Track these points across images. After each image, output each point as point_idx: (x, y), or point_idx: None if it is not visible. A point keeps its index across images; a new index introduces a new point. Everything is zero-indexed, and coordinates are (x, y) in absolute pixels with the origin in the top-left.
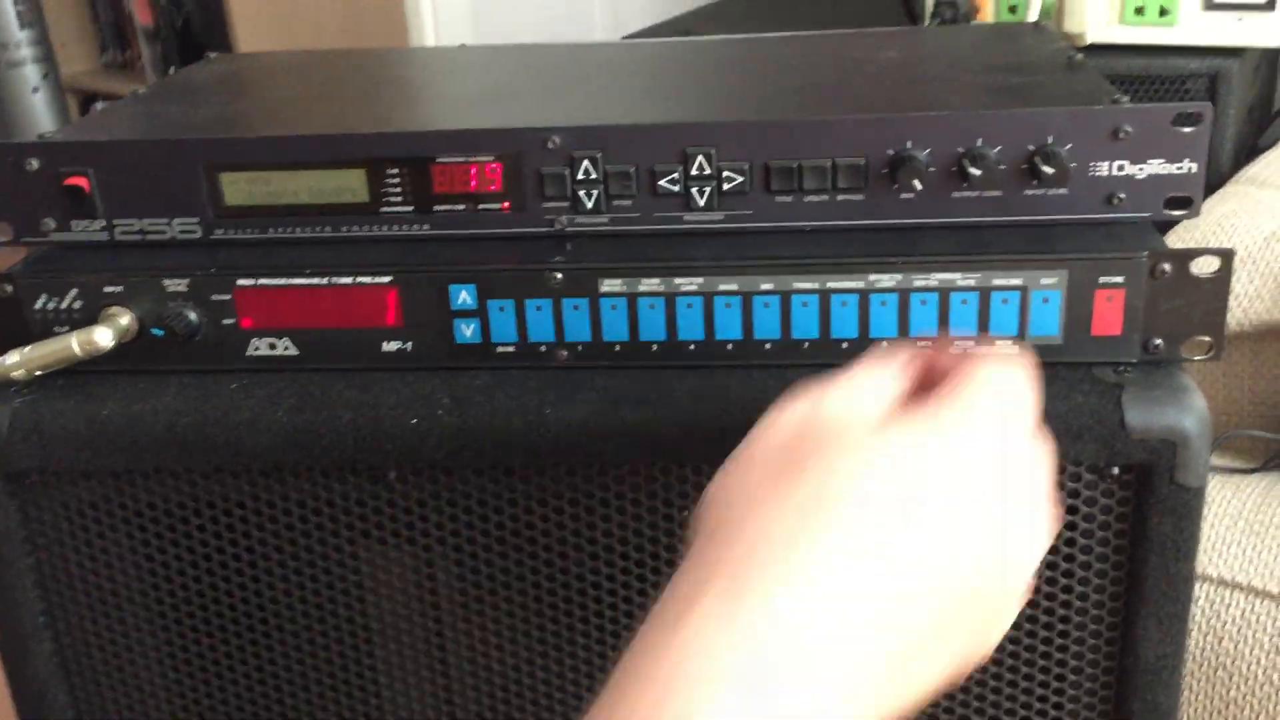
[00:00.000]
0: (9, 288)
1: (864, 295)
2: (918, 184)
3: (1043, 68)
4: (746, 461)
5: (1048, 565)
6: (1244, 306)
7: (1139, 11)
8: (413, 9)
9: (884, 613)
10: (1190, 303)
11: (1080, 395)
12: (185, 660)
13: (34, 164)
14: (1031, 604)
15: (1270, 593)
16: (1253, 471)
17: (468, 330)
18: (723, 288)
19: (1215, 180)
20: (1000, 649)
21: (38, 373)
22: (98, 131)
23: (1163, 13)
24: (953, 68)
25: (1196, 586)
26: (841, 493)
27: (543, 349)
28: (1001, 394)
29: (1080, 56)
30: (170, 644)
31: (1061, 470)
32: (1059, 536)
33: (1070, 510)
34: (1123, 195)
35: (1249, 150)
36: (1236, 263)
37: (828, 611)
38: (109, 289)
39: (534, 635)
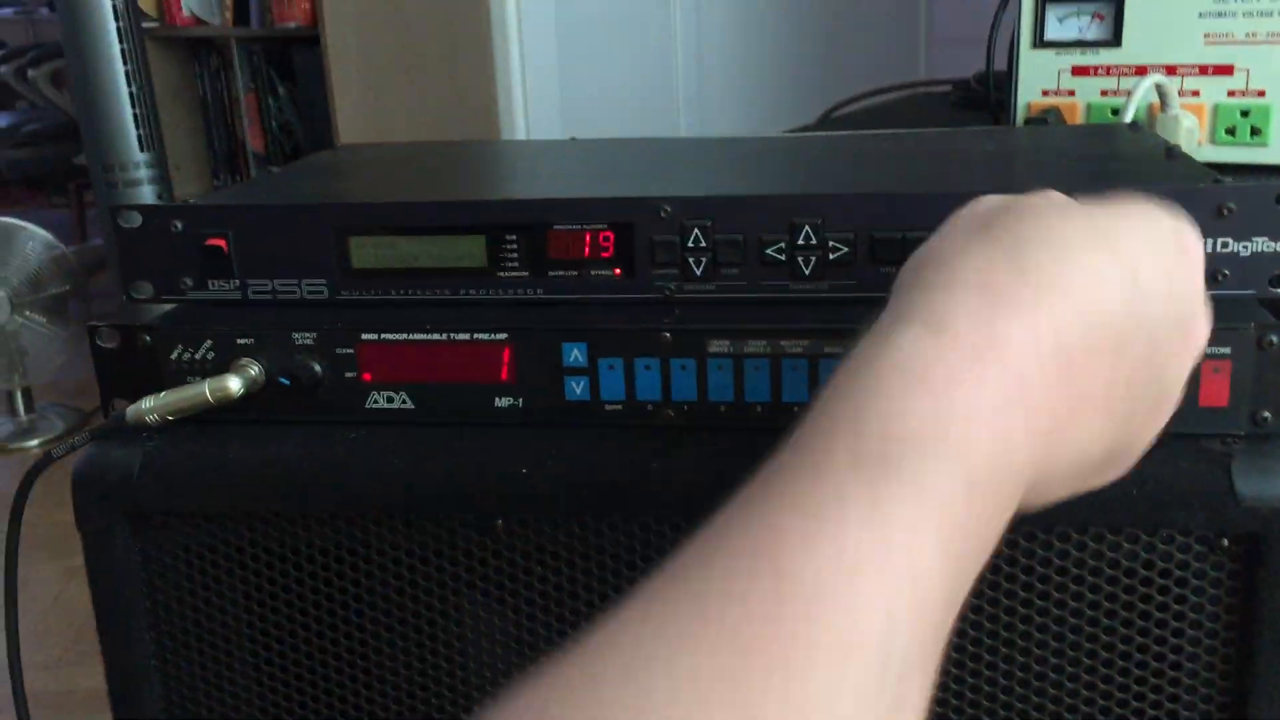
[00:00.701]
0: (147, 338)
1: None
2: None
3: (1142, 158)
4: (949, 228)
5: (1156, 641)
6: None
7: (1230, 131)
8: (505, 110)
9: (1070, 357)
10: None
11: (1188, 462)
12: (285, 709)
13: (178, 225)
14: (1140, 680)
15: None
16: None
17: (578, 388)
18: (828, 350)
19: None
20: None
21: (169, 418)
22: (238, 198)
23: (1254, 133)
24: (1053, 155)
25: None
26: (1049, 237)
27: (649, 408)
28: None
29: (1179, 146)
30: (273, 691)
31: (1170, 541)
32: (1167, 610)
33: (1180, 584)
34: (1227, 272)
35: None
36: None
37: (1027, 340)
38: (241, 341)
39: None
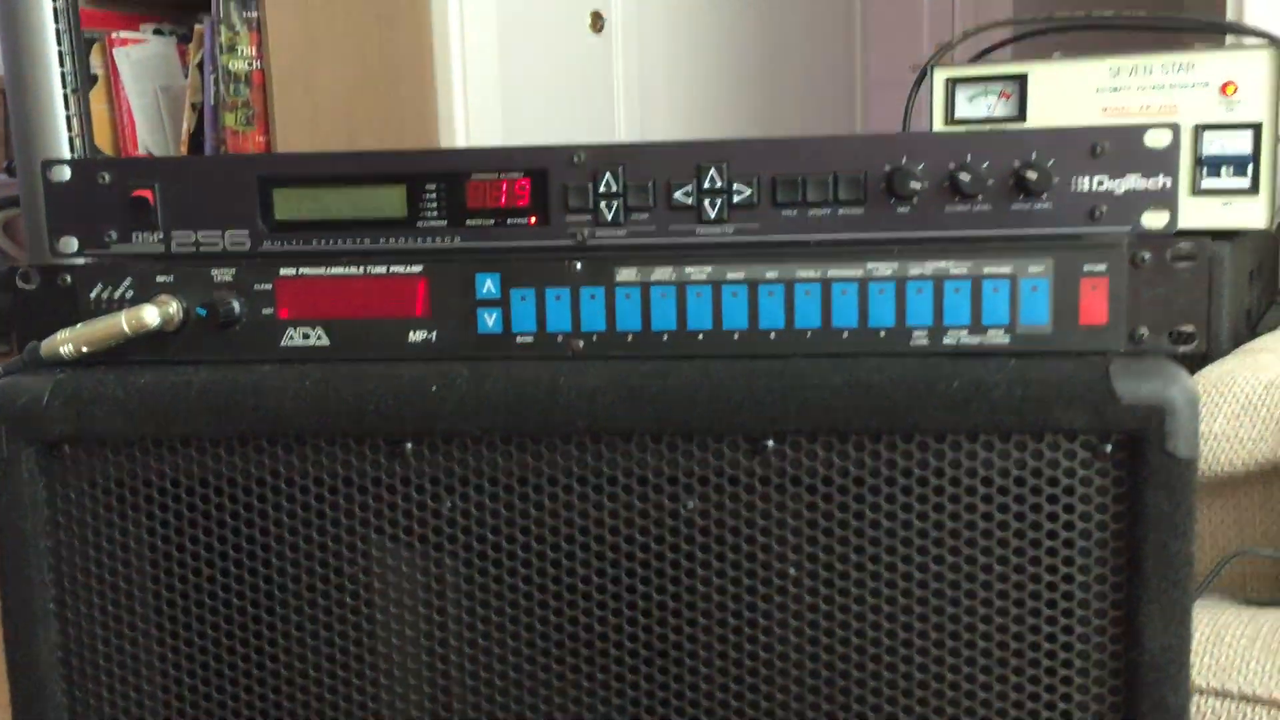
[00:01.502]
0: (67, 277)
1: (862, 283)
2: (914, 184)
3: None
4: None
5: (1048, 552)
6: (1249, 449)
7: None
8: (445, 116)
9: None
10: (1172, 291)
11: (1070, 367)
12: (186, 653)
13: (106, 178)
14: (1033, 595)
15: None
16: (1269, 604)
17: (490, 320)
18: (730, 277)
19: (1216, 354)
20: (1002, 645)
21: (84, 349)
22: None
23: None
24: None
25: (1219, 703)
26: None
27: (560, 339)
28: None
29: None
30: (174, 636)
31: (1056, 447)
32: (1056, 520)
33: (1067, 491)
34: (1104, 209)
35: (1249, 321)
36: (1239, 409)
37: None
38: (161, 278)
39: (534, 616)
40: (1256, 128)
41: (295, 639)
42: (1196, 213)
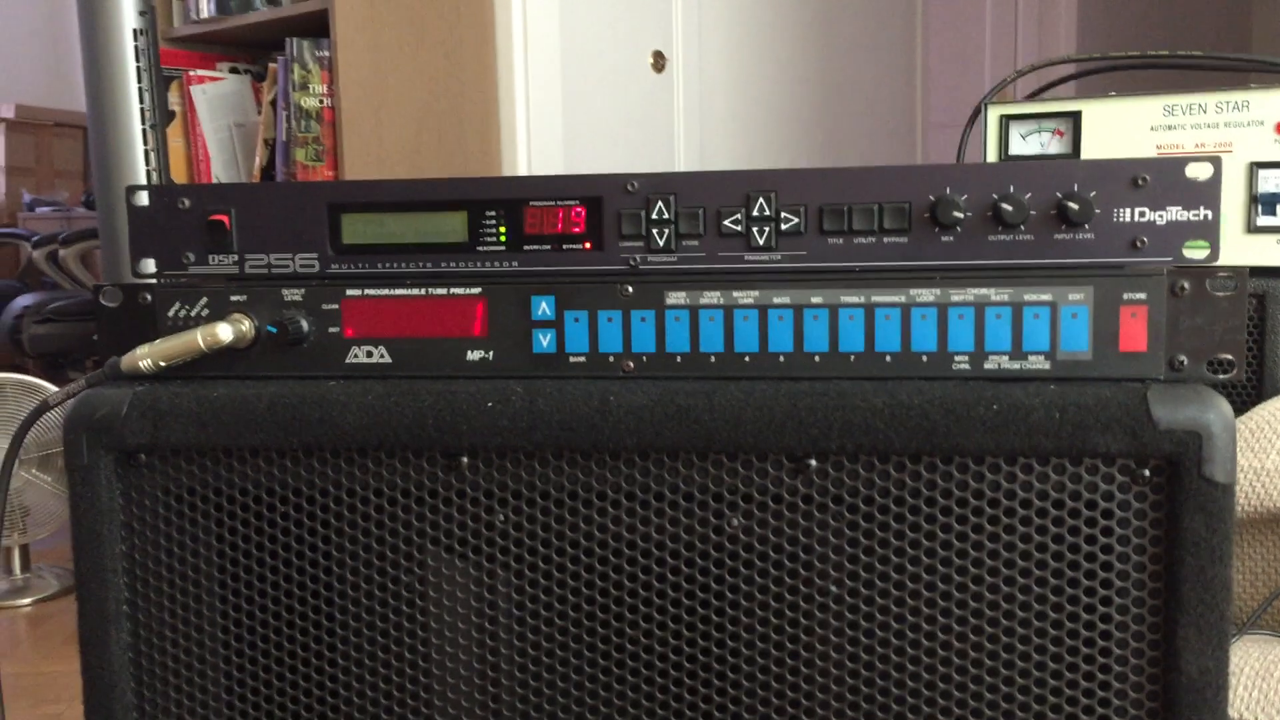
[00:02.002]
0: (147, 296)
1: (905, 309)
2: (958, 214)
3: None
4: None
5: (1086, 575)
6: None
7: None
8: (509, 155)
9: None
10: (1211, 320)
11: (1109, 392)
12: (249, 658)
13: (185, 203)
14: (1071, 617)
15: None
16: None
17: (545, 340)
18: (777, 301)
19: (1270, 393)
20: (1040, 665)
21: (161, 364)
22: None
23: None
24: None
25: None
26: None
27: (611, 359)
28: None
29: None
30: (238, 639)
31: (1094, 471)
32: (1094, 543)
33: (1105, 515)
34: (1145, 239)
35: None
36: None
37: None
38: (234, 298)
39: (581, 626)
40: None
41: (353, 644)
42: (1250, 251)
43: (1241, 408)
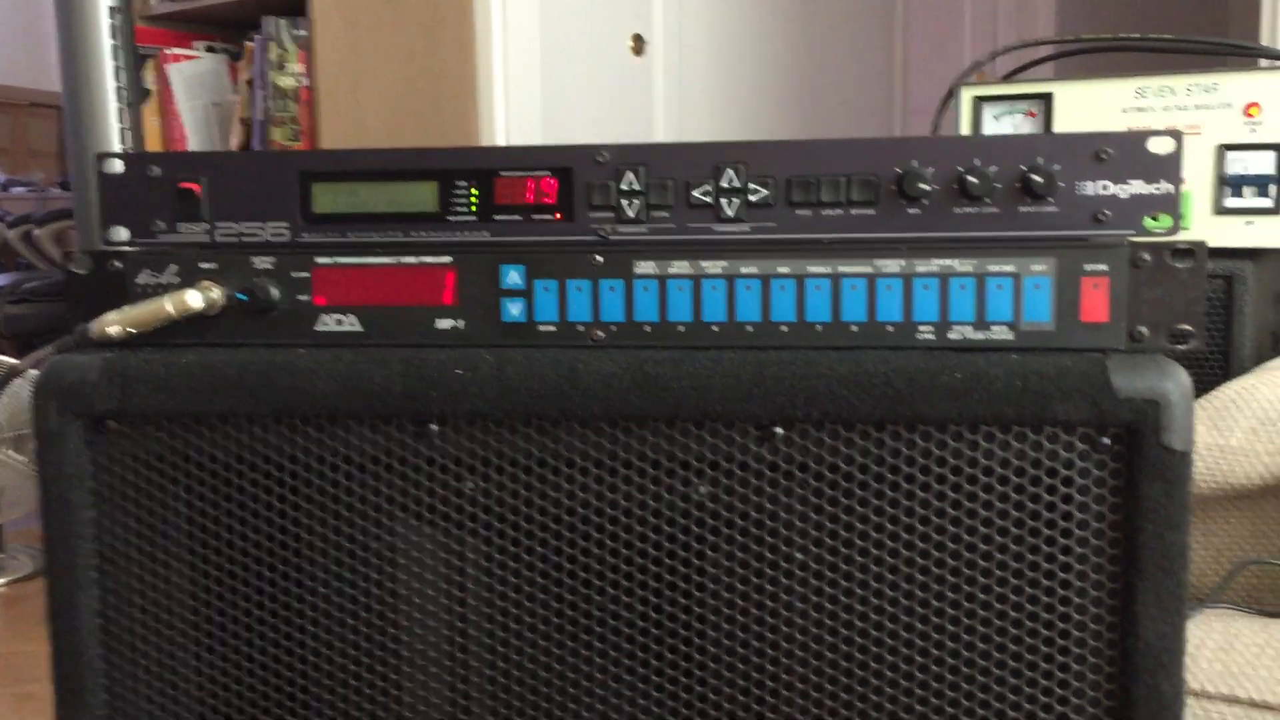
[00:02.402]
0: (117, 263)
1: (871, 280)
2: (924, 186)
3: None
4: None
5: (1045, 541)
6: (1265, 463)
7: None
8: (487, 136)
9: None
10: (1171, 292)
11: (1070, 361)
12: (218, 623)
13: (156, 170)
14: (1031, 582)
15: None
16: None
17: (515, 309)
18: (744, 271)
19: (1237, 372)
20: (1000, 630)
21: (131, 331)
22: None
23: None
24: None
25: (1228, 709)
26: None
27: (580, 328)
28: None
29: None
30: (207, 606)
31: (1055, 439)
32: (1054, 510)
33: (1065, 482)
34: (1108, 212)
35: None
36: (1256, 423)
37: None
38: (204, 265)
39: (549, 593)
40: (1279, 148)
41: (322, 611)
42: (1219, 232)
43: (1208, 387)
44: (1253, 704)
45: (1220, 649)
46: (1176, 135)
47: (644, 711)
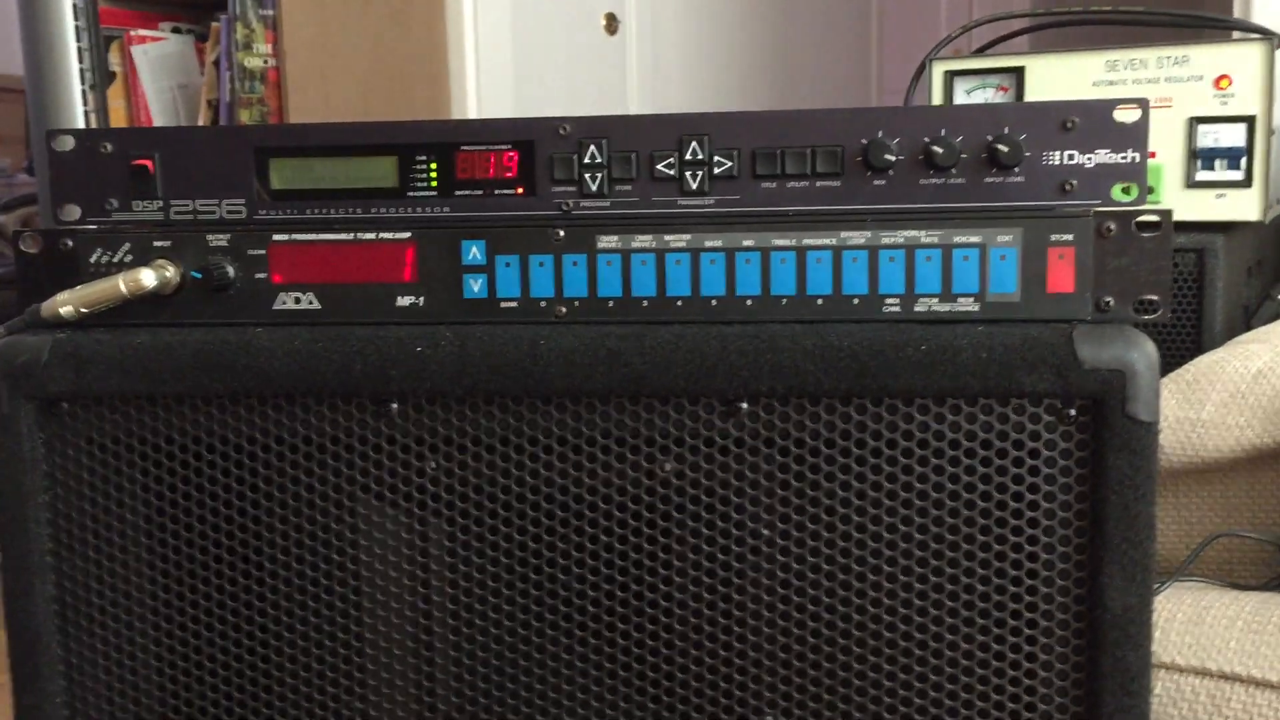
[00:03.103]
0: (69, 242)
1: (836, 252)
2: (889, 157)
3: None
4: None
5: (1012, 513)
6: (1235, 436)
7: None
8: (459, 106)
9: None
10: (1137, 261)
11: (1036, 332)
12: (176, 607)
13: (108, 147)
14: (998, 555)
15: (1270, 682)
16: (1250, 589)
17: (476, 285)
18: (709, 245)
19: (1209, 346)
20: (967, 603)
21: (83, 310)
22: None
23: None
24: None
25: (1198, 681)
26: None
27: (543, 304)
28: None
29: None
30: (165, 590)
31: (1021, 411)
32: (1021, 482)
33: (1032, 454)
34: (1074, 182)
35: (1246, 316)
36: (1227, 397)
37: None
38: (158, 244)
39: (514, 572)
40: (1250, 120)
41: (283, 593)
42: (1190, 205)
43: (1180, 360)
44: (1223, 676)
45: (1191, 621)
46: (1143, 104)
47: (611, 690)
